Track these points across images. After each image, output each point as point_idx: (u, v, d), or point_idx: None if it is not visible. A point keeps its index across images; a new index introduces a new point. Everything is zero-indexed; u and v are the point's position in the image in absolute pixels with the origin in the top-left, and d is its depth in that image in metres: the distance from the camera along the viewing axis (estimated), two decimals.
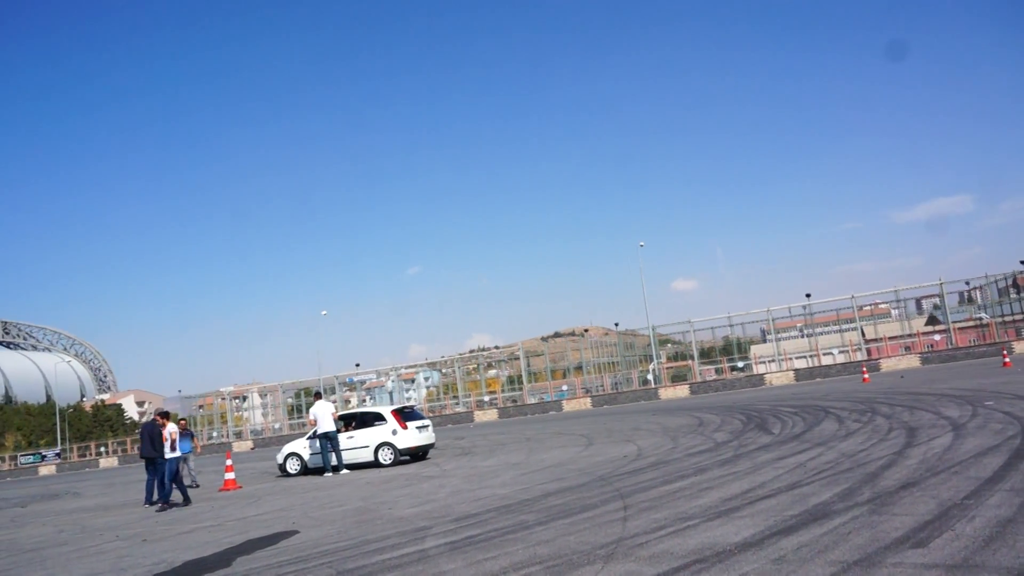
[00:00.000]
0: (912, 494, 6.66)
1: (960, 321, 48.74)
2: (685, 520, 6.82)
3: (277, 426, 63.46)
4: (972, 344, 42.06)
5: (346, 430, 18.51)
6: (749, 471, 9.43)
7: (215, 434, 62.09)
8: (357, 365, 60.94)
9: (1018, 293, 44.24)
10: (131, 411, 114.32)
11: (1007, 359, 27.57)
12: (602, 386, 53.09)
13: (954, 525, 5.39)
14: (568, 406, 42.97)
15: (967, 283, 48.65)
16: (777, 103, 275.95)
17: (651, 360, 52.82)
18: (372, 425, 18.53)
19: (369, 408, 21.02)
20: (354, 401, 70.68)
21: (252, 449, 49.44)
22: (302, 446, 19.04)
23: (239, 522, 11.26)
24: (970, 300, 51.10)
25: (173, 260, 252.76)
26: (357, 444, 18.36)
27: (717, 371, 51.28)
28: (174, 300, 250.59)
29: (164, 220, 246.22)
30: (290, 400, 67.14)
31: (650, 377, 50.15)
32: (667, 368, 54.00)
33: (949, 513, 5.75)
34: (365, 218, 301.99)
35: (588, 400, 43.31)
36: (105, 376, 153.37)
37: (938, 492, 6.58)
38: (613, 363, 59.48)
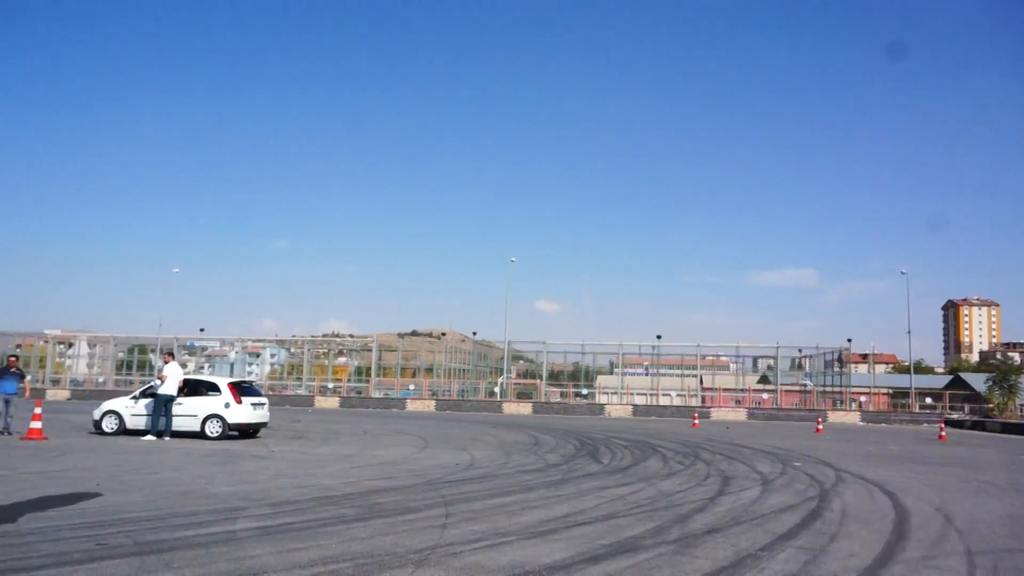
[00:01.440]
0: (715, 539, 7.05)
1: (788, 384, 52.42)
2: (503, 536, 6.92)
3: (102, 379, 59.30)
4: (794, 407, 45.32)
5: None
6: (573, 496, 9.69)
7: (29, 378, 57.36)
8: (201, 330, 58.22)
9: (841, 367, 48.04)
10: None
11: (820, 426, 29.87)
12: (449, 391, 53.21)
13: (745, 573, 5.74)
14: (412, 406, 42.76)
15: (800, 350, 52.49)
16: (664, 155, 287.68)
17: (501, 374, 53.46)
18: (204, 395, 17.69)
19: (204, 377, 20.08)
20: (191, 367, 67.31)
21: (69, 399, 46.06)
22: (123, 404, 17.91)
23: (36, 476, 10.44)
24: (800, 367, 55.02)
25: (12, 183, 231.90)
26: (184, 412, 17.44)
27: (562, 394, 52.55)
28: (7, 225, 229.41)
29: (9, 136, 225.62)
30: (121, 355, 63.05)
31: (497, 390, 50.72)
32: (515, 384, 54.80)
33: (743, 562, 6.13)
34: (235, 179, 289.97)
35: (433, 403, 43.26)
36: None
37: (738, 541, 7.00)
38: (464, 370, 59.80)
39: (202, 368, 69.71)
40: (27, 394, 18.29)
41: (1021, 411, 46.68)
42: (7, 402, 16.79)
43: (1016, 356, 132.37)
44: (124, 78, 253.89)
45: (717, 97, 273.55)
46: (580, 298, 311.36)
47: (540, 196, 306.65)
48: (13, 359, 18.19)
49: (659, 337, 48.69)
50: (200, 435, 17.32)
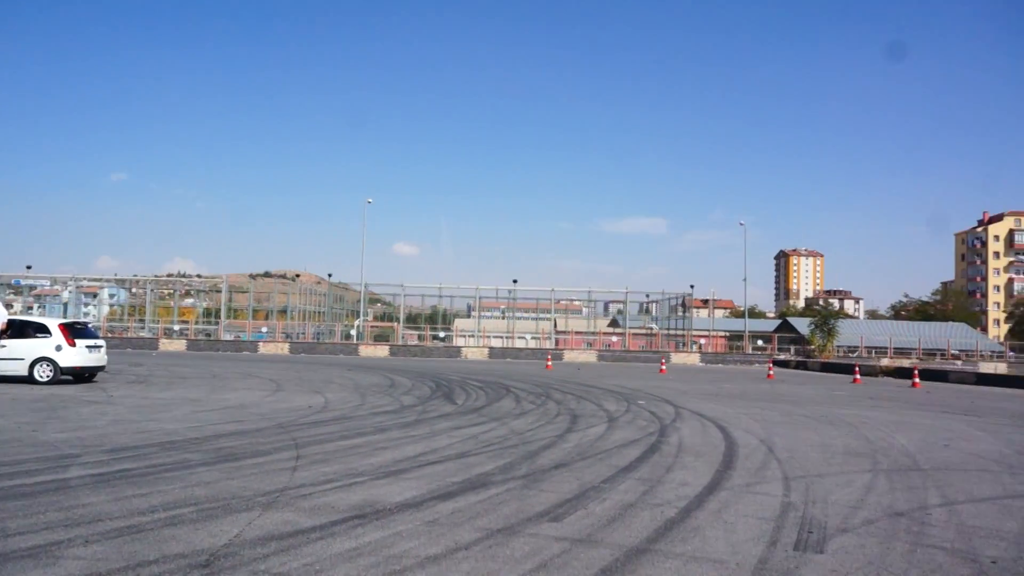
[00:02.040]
0: (561, 474, 7.39)
1: (635, 328, 55.00)
2: (354, 476, 6.94)
3: None
4: (641, 349, 47.66)
5: None
6: (426, 436, 9.83)
7: None
8: (28, 267, 53.69)
9: (684, 312, 50.89)
10: None
11: (664, 367, 31.68)
12: (304, 334, 52.09)
13: (588, 504, 6.07)
14: (264, 349, 41.59)
15: (647, 296, 55.00)
16: (525, 100, 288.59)
17: (358, 316, 52.85)
18: (33, 337, 16.41)
19: (32, 318, 18.61)
20: (18, 307, 62.08)
21: None
22: None
23: None
24: (647, 311, 57.78)
25: None
26: (10, 355, 16.13)
27: (420, 337, 52.71)
28: None
29: None
30: None
31: (353, 332, 50.17)
32: (372, 327, 54.42)
33: (587, 494, 6.47)
34: (65, 104, 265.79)
35: (287, 346, 42.26)
36: None
37: (583, 475, 7.37)
38: (320, 313, 58.61)
39: (30, 309, 64.52)
40: None
41: (838, 352, 51.36)
42: None
43: (836, 302, 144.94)
44: None
45: (575, 42, 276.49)
46: (438, 241, 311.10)
47: (397, 138, 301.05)
48: None
49: (515, 281, 49.63)
50: (29, 380, 16.10)
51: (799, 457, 8.87)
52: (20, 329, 16.59)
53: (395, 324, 51.89)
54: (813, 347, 50.91)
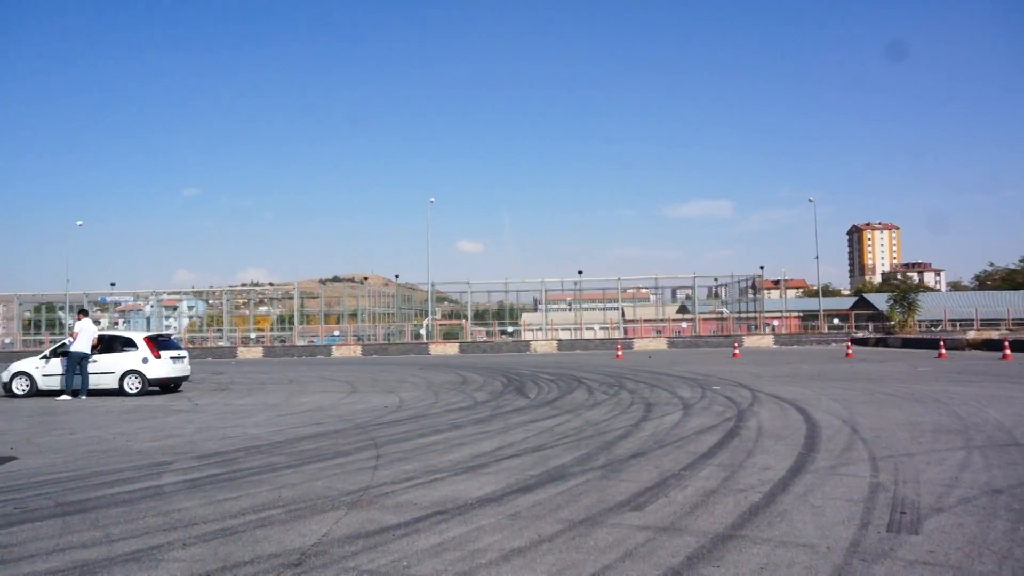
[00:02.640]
0: (640, 463, 7.33)
1: (705, 313, 54.14)
2: (434, 473, 7.03)
3: (8, 341, 56.63)
4: (712, 334, 46.90)
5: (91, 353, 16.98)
6: (501, 431, 9.88)
7: None
8: (112, 285, 56.06)
9: (754, 294, 49.87)
10: None
11: (737, 350, 31.10)
12: (375, 335, 52.98)
13: (669, 492, 6.01)
14: (338, 352, 42.45)
15: (716, 279, 54.14)
16: (580, 90, 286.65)
17: (426, 315, 53.45)
18: (121, 351, 17.15)
19: (119, 332, 19.42)
20: (105, 323, 64.86)
21: None
22: (34, 365, 17.22)
23: None
24: (716, 295, 56.86)
25: None
26: (101, 369, 16.90)
27: (488, 333, 53.01)
28: None
29: None
30: (28, 314, 60.21)
31: (423, 332, 50.77)
32: (440, 325, 54.94)
33: (667, 482, 6.41)
34: (138, 125, 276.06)
35: (359, 348, 43.05)
36: None
37: (661, 463, 7.30)
38: (389, 314, 59.50)
39: (116, 324, 67.33)
40: None
41: (920, 326, 49.54)
42: None
43: (915, 275, 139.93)
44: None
45: (628, 30, 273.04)
46: (501, 237, 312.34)
47: (456, 136, 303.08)
48: None
49: (580, 272, 49.49)
50: (119, 392, 16.85)
51: (886, 436, 8.59)
52: (109, 344, 17.34)
53: (463, 321, 52.30)
54: (893, 323, 49.20)
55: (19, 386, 17.12)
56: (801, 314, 61.04)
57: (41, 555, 4.65)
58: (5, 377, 17.33)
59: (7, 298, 59.18)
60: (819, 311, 51.10)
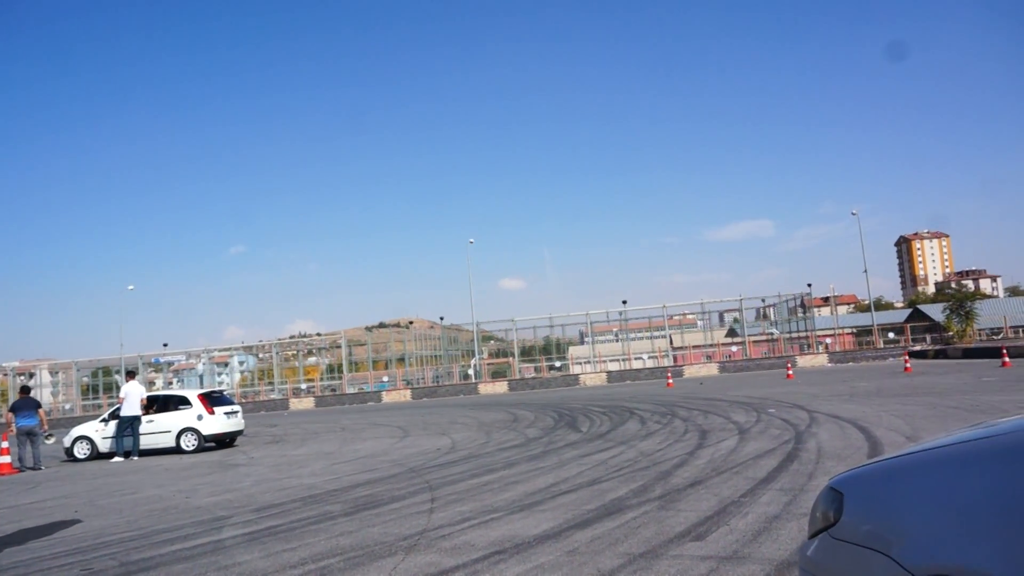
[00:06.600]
0: (698, 492, 7.18)
1: (755, 335, 53.26)
2: (490, 513, 6.97)
3: (68, 406, 58.12)
4: (763, 356, 46.03)
5: (146, 414, 17.34)
6: (555, 466, 9.78)
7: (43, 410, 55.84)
8: (165, 345, 57.21)
9: (804, 313, 48.95)
10: None
11: (790, 371, 30.44)
12: (423, 379, 53.14)
13: (730, 520, 5.87)
14: (388, 397, 42.64)
15: (763, 300, 53.27)
16: (611, 121, 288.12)
17: (473, 355, 53.50)
18: (176, 409, 17.47)
19: (173, 391, 19.81)
20: (159, 383, 66.26)
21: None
22: (93, 429, 17.63)
23: (12, 510, 10.24)
24: (764, 316, 55.92)
25: None
26: (158, 429, 17.24)
27: (536, 369, 52.79)
28: None
29: None
30: (86, 379, 61.79)
31: (471, 372, 50.77)
32: (488, 364, 54.92)
33: (727, 510, 6.26)
34: (183, 189, 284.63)
35: (408, 392, 43.19)
36: None
37: (720, 490, 7.14)
38: (436, 356, 59.69)
39: (170, 383, 68.71)
40: (44, 426, 16.99)
41: (980, 335, 48.04)
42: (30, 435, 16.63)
43: (970, 283, 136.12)
44: (46, 95, 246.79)
45: (659, 60, 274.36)
46: (543, 272, 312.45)
47: (492, 175, 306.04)
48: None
49: (624, 302, 49.10)
50: (176, 450, 17.14)
51: None
52: (164, 403, 17.70)
53: (510, 359, 52.19)
54: (950, 333, 47.83)
55: (80, 450, 17.53)
56: (854, 330, 59.72)
57: None
58: (67, 442, 17.78)
59: (65, 365, 60.88)
60: (872, 325, 49.88)
